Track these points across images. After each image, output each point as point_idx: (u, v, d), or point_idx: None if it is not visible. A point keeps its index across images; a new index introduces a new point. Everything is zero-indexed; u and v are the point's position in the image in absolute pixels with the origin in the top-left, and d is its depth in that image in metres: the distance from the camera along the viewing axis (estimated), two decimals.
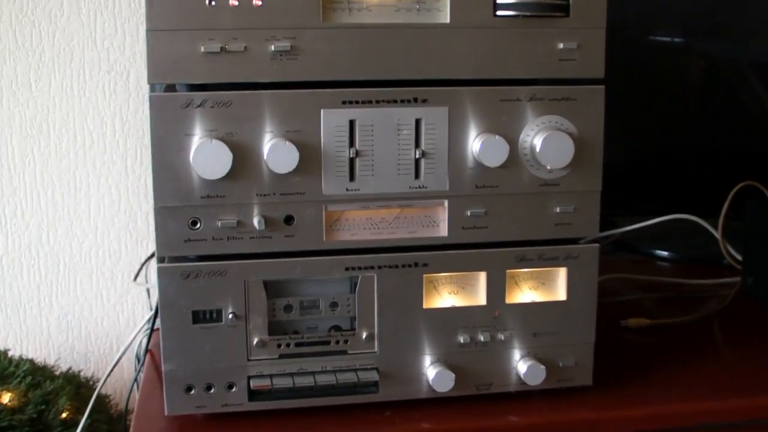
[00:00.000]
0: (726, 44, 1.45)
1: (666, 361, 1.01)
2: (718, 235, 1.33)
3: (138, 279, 1.30)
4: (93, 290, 1.32)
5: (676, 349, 1.11)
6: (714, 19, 1.42)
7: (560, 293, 0.93)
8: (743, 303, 1.25)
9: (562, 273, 0.93)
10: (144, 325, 1.19)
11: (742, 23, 1.46)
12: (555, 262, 0.94)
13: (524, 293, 0.94)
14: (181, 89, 0.86)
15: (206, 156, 0.87)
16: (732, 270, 1.35)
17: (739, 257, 1.33)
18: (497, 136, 0.90)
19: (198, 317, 0.89)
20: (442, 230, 0.91)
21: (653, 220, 1.44)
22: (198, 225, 0.87)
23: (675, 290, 1.31)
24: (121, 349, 1.23)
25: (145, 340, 1.14)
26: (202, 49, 0.87)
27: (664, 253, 1.46)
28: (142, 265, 1.31)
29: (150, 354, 1.10)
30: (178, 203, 0.88)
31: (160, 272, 0.90)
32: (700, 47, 1.42)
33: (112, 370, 1.17)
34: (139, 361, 1.16)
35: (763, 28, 1.46)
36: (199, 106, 0.88)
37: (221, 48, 0.87)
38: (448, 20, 0.90)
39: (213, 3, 0.87)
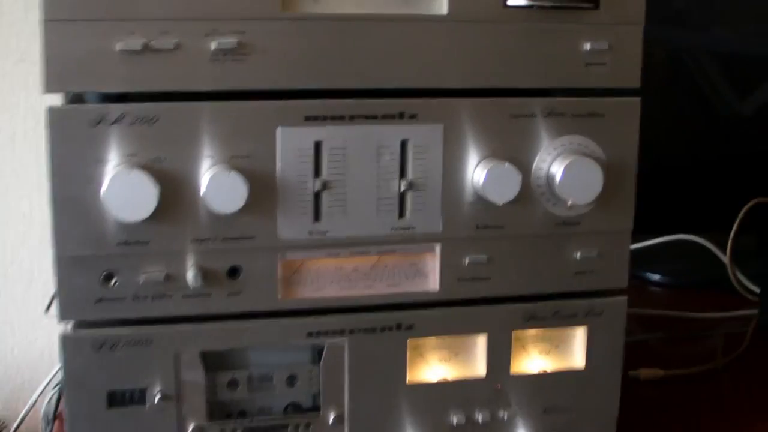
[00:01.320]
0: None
1: (685, 420, 0.88)
2: (726, 260, 1.15)
3: (51, 311, 1.06)
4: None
5: (694, 404, 0.96)
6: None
7: (577, 359, 0.77)
8: (763, 342, 1.11)
9: (580, 334, 0.75)
10: (53, 376, 0.95)
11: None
12: (573, 320, 0.74)
13: (533, 360, 0.78)
14: (91, 100, 0.69)
15: (123, 190, 0.64)
16: (740, 297, 1.21)
17: (751, 285, 1.19)
18: (506, 164, 0.68)
19: (115, 399, 0.70)
20: (432, 283, 0.74)
21: (650, 242, 1.24)
22: (114, 280, 0.69)
23: (682, 325, 1.12)
24: (28, 402, 0.99)
25: (55, 398, 0.90)
26: (119, 46, 0.66)
27: (658, 277, 1.26)
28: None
29: (59, 420, 0.87)
30: (86, 251, 0.68)
31: (64, 343, 0.68)
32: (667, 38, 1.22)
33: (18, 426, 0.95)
34: (47, 423, 0.92)
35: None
36: (114, 122, 0.66)
37: (144, 45, 0.66)
38: (445, 11, 0.69)
39: None
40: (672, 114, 1.31)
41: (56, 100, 0.70)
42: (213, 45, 0.67)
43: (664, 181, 1.24)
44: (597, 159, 0.73)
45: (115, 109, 0.67)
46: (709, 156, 1.31)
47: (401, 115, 0.71)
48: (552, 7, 0.71)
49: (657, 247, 1.27)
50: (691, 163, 1.31)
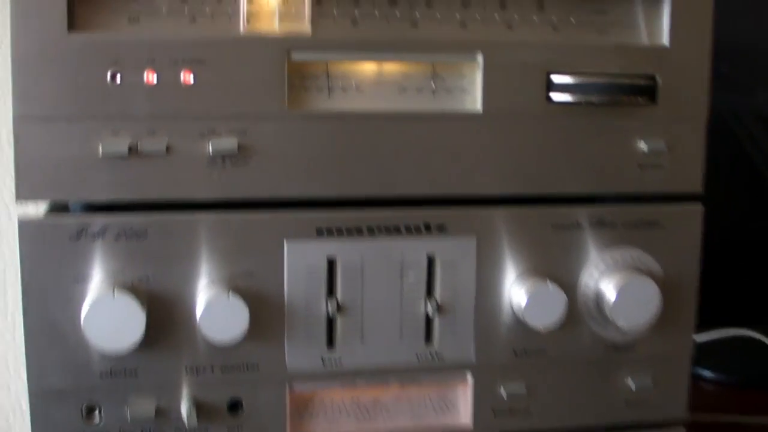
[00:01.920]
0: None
1: None
2: None
3: None
4: None
5: None
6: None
7: None
8: None
9: None
10: None
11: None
12: None
13: None
14: (71, 209, 0.61)
15: (105, 316, 0.55)
16: None
17: None
18: (549, 283, 0.58)
19: None
20: (464, 416, 0.65)
21: (702, 337, 1.13)
22: (97, 415, 0.60)
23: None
24: None
25: None
26: (102, 148, 0.55)
27: (710, 374, 1.14)
28: None
29: None
30: (65, 383, 0.59)
31: None
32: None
33: None
34: None
35: None
36: (97, 236, 0.58)
37: (131, 147, 0.55)
38: (479, 107, 0.58)
39: (118, 78, 0.53)
40: (720, 190, 1.20)
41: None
42: (209, 147, 0.57)
43: (714, 268, 1.13)
44: (653, 275, 0.62)
45: (98, 220, 0.58)
46: (764, 239, 1.19)
47: (427, 228, 0.60)
48: (602, 104, 0.61)
49: (709, 343, 1.15)
50: (743, 246, 1.20)
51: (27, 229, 0.57)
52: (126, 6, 0.58)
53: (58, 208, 0.60)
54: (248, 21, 0.58)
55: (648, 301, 0.62)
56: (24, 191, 0.58)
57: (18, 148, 0.57)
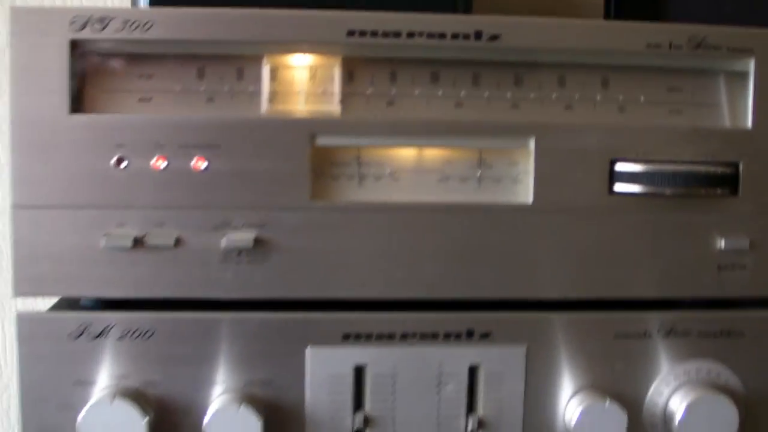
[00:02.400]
0: None
1: None
2: None
3: None
4: None
5: None
6: None
7: None
8: None
9: None
10: None
11: None
12: None
13: None
14: (75, 305, 0.54)
15: (103, 424, 0.48)
16: None
17: None
18: (608, 401, 0.50)
19: None
20: None
21: None
22: None
23: None
24: None
25: None
26: (105, 240, 0.49)
27: None
28: None
29: None
30: None
31: None
32: None
33: None
34: None
35: None
36: (99, 336, 0.53)
37: (137, 239, 0.50)
38: (530, 199, 0.50)
39: (123, 164, 0.47)
40: None
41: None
42: (223, 242, 0.50)
43: None
44: (732, 392, 0.53)
45: (101, 319, 0.52)
46: None
47: (470, 334, 0.53)
48: (675, 196, 0.52)
49: None
50: None
51: (25, 324, 0.52)
52: (138, 85, 0.52)
53: (59, 304, 0.54)
54: (271, 101, 0.52)
55: (725, 422, 0.54)
56: (23, 286, 0.52)
57: (16, 239, 0.51)
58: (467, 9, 0.60)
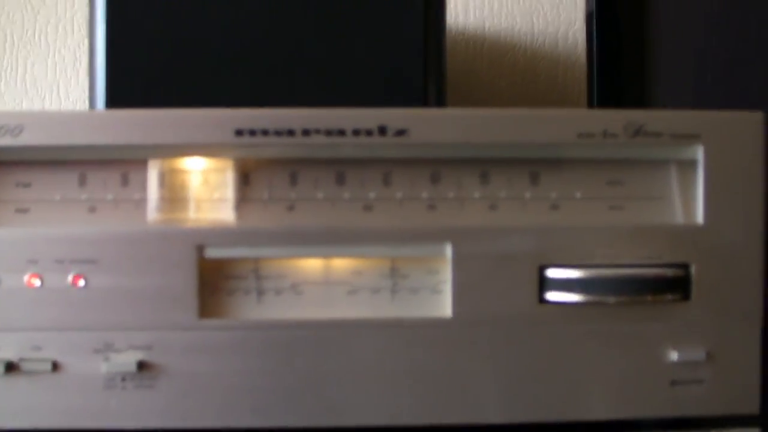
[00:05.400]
0: None
1: None
2: None
3: None
4: None
5: None
6: None
7: None
8: None
9: None
10: None
11: None
12: None
13: None
14: None
15: None
16: None
17: None
18: None
19: None
20: None
21: None
22: None
23: None
24: None
25: None
26: None
27: None
28: None
29: None
30: None
31: None
32: None
33: None
34: None
35: None
36: None
37: (10, 364, 0.49)
38: (449, 312, 0.43)
39: None
40: None
41: None
42: (105, 366, 0.44)
43: None
44: None
45: None
46: None
47: None
48: (618, 304, 0.46)
49: None
50: None
51: None
52: (15, 195, 0.46)
53: None
54: (159, 209, 0.46)
55: None
56: None
57: None
58: (440, 103, 0.54)
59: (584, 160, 0.49)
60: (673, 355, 0.48)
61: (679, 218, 0.49)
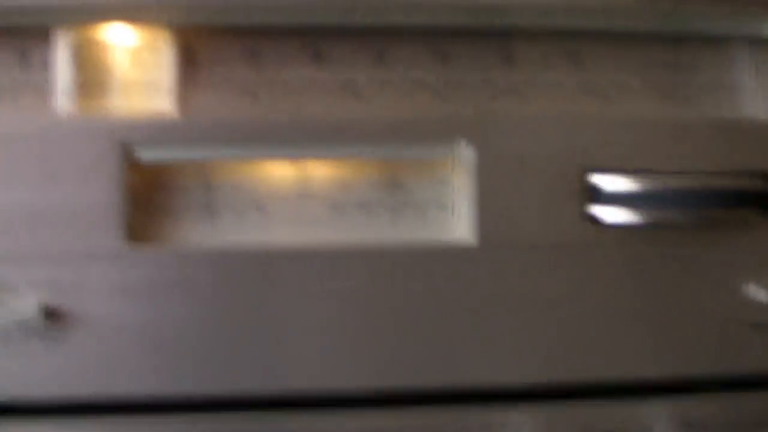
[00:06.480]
0: None
1: None
2: None
3: None
4: None
5: None
6: None
7: None
8: None
9: None
10: None
11: None
12: None
13: None
14: None
15: None
16: None
17: None
18: None
19: None
20: None
21: None
22: None
23: None
24: None
25: None
26: None
27: None
28: None
29: None
30: None
31: None
32: None
33: None
34: None
35: None
36: None
37: None
38: (470, 235, 0.32)
39: None
40: None
41: None
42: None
43: None
44: None
45: None
46: None
47: None
48: (684, 226, 0.33)
49: None
50: None
51: None
52: None
53: None
54: (72, 96, 0.32)
55: None
56: None
57: None
58: None
59: (638, 35, 0.36)
60: (755, 291, 0.36)
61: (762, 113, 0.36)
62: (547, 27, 0.37)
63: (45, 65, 0.35)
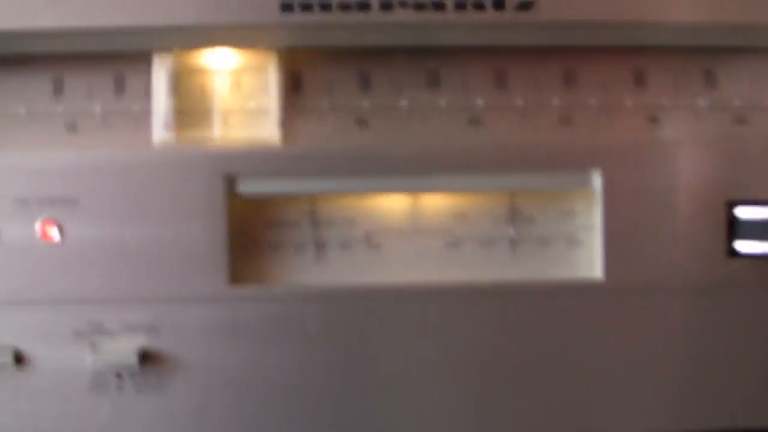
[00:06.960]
0: None
1: None
2: None
3: None
4: None
5: None
6: None
7: None
8: None
9: None
10: None
11: None
12: None
13: None
14: None
15: None
16: None
17: None
18: None
19: None
20: None
21: None
22: None
23: None
24: None
25: None
26: None
27: None
28: None
29: None
30: None
31: None
32: None
33: None
34: None
35: None
36: None
37: None
38: (599, 272, 0.25)
39: None
40: None
41: None
42: (91, 359, 0.28)
43: None
44: None
45: None
46: None
47: None
48: None
49: None
50: None
51: None
52: None
53: None
54: (169, 126, 0.30)
55: None
56: None
57: None
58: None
59: None
60: None
61: None
62: (680, 44, 0.34)
63: (142, 92, 0.33)
